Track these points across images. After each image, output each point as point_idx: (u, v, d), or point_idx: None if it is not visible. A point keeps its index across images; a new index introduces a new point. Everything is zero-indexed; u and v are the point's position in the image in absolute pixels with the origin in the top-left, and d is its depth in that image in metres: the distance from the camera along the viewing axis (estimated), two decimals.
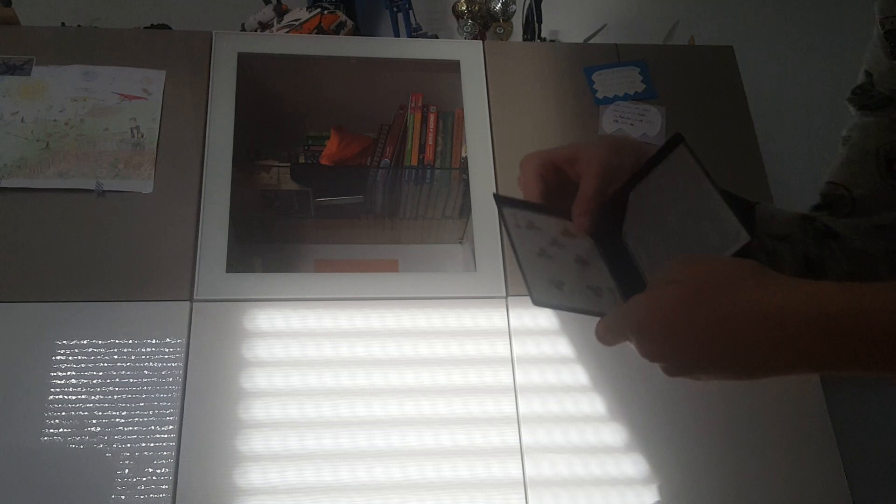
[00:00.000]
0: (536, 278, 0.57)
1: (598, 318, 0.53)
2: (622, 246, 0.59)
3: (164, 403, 1.06)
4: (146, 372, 1.08)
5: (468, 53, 1.40)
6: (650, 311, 0.47)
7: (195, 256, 1.16)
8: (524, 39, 1.67)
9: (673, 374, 0.47)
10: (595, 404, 1.14)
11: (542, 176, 0.60)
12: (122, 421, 1.05)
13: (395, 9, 1.62)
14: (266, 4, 1.51)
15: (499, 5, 1.67)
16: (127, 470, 1.02)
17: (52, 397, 1.05)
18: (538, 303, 0.56)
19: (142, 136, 1.24)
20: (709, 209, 0.54)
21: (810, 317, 0.41)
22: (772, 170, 1.38)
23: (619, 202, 0.59)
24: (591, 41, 1.66)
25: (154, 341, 1.09)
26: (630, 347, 0.49)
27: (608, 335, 0.51)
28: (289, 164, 1.47)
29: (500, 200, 0.62)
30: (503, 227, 0.60)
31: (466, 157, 1.34)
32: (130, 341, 1.09)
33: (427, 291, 1.19)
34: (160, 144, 1.24)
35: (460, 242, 1.59)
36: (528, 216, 0.61)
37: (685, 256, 0.49)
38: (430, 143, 1.46)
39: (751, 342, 0.43)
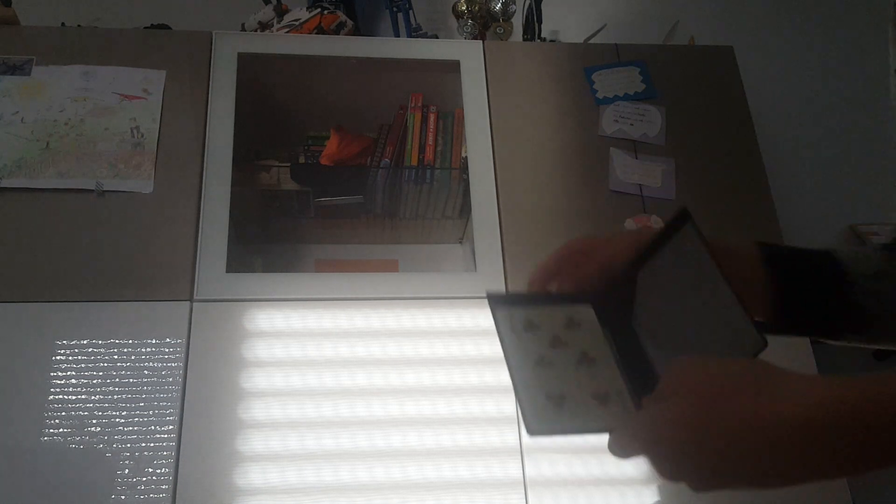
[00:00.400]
0: (533, 399, 0.53)
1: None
2: (632, 334, 0.56)
3: (164, 403, 1.06)
4: (146, 372, 1.08)
5: (468, 53, 1.40)
6: (655, 432, 0.45)
7: (195, 256, 1.16)
8: (524, 39, 1.67)
9: (699, 489, 0.45)
10: None
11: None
12: (122, 421, 1.05)
13: (395, 9, 1.62)
14: (266, 4, 1.51)
15: (499, 5, 1.67)
16: (127, 470, 1.02)
17: (52, 397, 1.05)
18: (535, 432, 0.53)
19: (142, 136, 1.24)
20: (720, 305, 0.52)
21: (824, 423, 0.40)
22: (772, 169, 1.38)
23: (627, 283, 0.56)
24: (592, 41, 1.66)
25: (154, 341, 1.09)
26: None
27: (622, 453, 0.49)
28: (289, 164, 1.47)
29: (495, 301, 0.58)
30: (498, 338, 0.58)
31: (466, 157, 1.34)
32: (130, 341, 1.09)
33: (427, 291, 1.19)
34: (160, 144, 1.24)
35: (460, 242, 1.59)
36: (525, 314, 0.58)
37: (681, 361, 0.47)
38: (430, 142, 1.46)
39: (765, 454, 0.41)
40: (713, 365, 0.46)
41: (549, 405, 0.54)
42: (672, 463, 0.45)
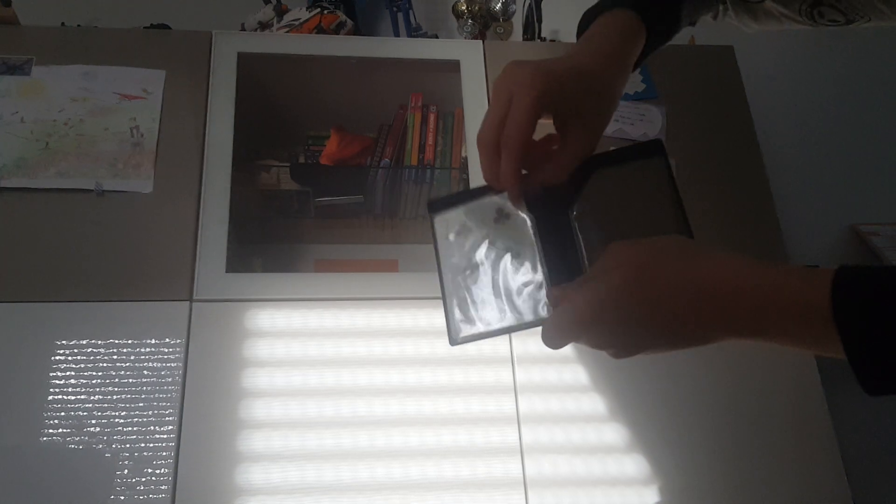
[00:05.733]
0: (459, 308, 0.56)
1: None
2: (568, 228, 0.57)
3: (164, 403, 1.06)
4: (145, 372, 1.07)
5: (468, 53, 1.40)
6: (594, 303, 0.48)
7: (195, 256, 1.16)
8: (524, 39, 1.67)
9: (621, 356, 0.51)
10: (596, 403, 1.14)
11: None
12: (122, 421, 1.04)
13: (394, 8, 1.62)
14: (266, 4, 1.51)
15: (499, 5, 1.67)
16: (126, 470, 1.02)
17: (51, 397, 1.05)
18: (455, 342, 0.56)
19: (141, 135, 1.24)
20: (663, 222, 0.55)
21: (737, 288, 0.45)
22: (772, 169, 1.38)
23: (579, 175, 0.56)
24: None
25: (153, 341, 1.09)
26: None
27: (558, 340, 0.51)
28: (289, 164, 1.47)
29: (434, 207, 0.60)
30: (434, 247, 0.59)
31: (466, 156, 1.34)
32: (130, 341, 1.09)
33: (427, 291, 1.19)
34: (160, 144, 1.23)
35: None
36: (460, 215, 0.59)
37: (616, 244, 0.50)
38: (430, 142, 1.46)
39: (687, 315, 0.46)
40: (642, 243, 0.50)
41: (474, 312, 0.56)
42: (605, 334, 0.50)
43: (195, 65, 1.31)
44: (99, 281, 1.13)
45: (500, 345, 1.16)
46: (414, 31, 1.61)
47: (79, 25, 1.42)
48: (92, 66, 1.29)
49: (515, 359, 1.16)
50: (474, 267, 0.57)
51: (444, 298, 0.57)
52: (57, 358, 1.07)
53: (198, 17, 1.58)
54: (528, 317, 0.55)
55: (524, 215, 0.57)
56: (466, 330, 0.56)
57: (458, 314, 0.57)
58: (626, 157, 0.57)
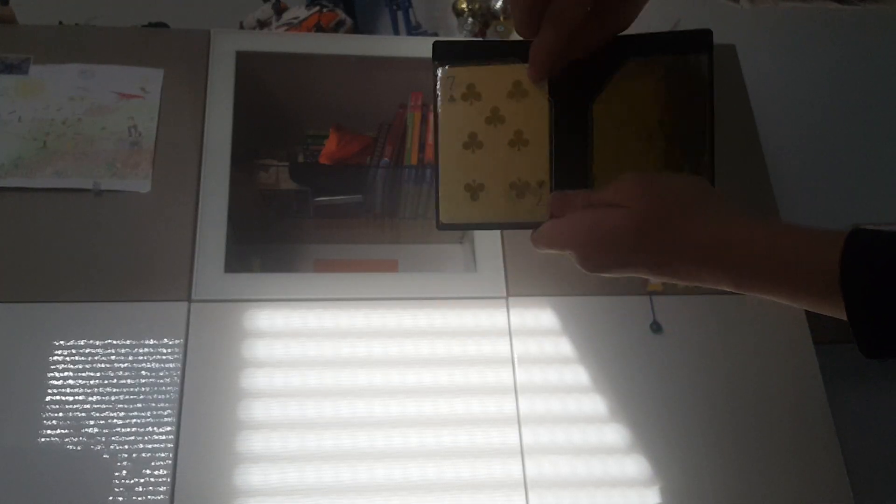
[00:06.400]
0: (451, 188, 0.51)
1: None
2: (585, 122, 0.51)
3: (162, 404, 1.05)
4: (144, 373, 1.07)
5: None
6: (595, 235, 0.48)
7: (193, 256, 1.15)
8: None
9: (594, 273, 0.50)
10: (597, 404, 1.14)
11: None
12: (120, 422, 1.04)
13: (394, 7, 1.61)
14: (265, 2, 1.51)
15: (499, 3, 1.66)
16: (125, 471, 1.01)
17: (48, 398, 1.04)
18: (443, 226, 0.51)
19: (139, 135, 1.23)
20: (692, 132, 0.50)
21: (750, 251, 0.45)
22: (773, 168, 1.38)
23: (604, 61, 0.50)
24: None
25: (152, 342, 1.09)
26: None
27: (546, 246, 0.51)
28: (288, 164, 1.47)
29: (440, 52, 0.51)
30: (434, 101, 0.53)
31: None
32: (128, 342, 1.08)
33: (427, 291, 1.18)
34: (158, 144, 1.23)
35: (460, 242, 1.58)
36: (469, 77, 0.51)
37: (632, 176, 0.49)
38: (431, 142, 1.45)
39: (690, 268, 0.47)
40: (659, 183, 0.49)
41: (466, 196, 0.51)
42: (597, 264, 0.49)
43: (193, 64, 1.30)
44: (97, 281, 1.12)
45: (500, 345, 1.16)
46: (414, 30, 1.61)
47: (76, 24, 1.42)
48: (90, 65, 1.28)
49: (516, 359, 1.15)
50: (475, 142, 0.51)
51: (436, 171, 0.51)
52: (55, 358, 1.07)
53: (196, 15, 1.58)
54: (524, 215, 0.51)
55: (543, 99, 0.51)
56: (455, 215, 0.51)
57: (449, 194, 0.51)
58: (666, 47, 0.50)
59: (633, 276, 0.49)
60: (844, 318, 0.42)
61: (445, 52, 0.52)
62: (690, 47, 0.50)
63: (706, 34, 0.50)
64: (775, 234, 0.45)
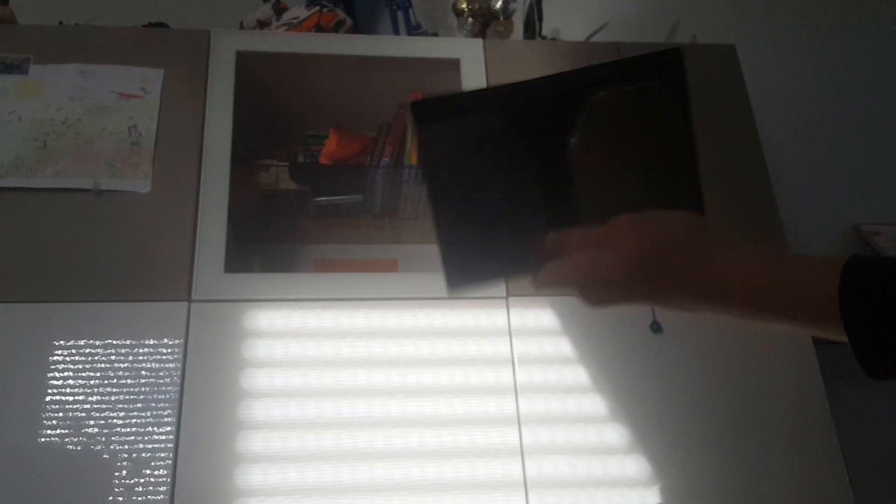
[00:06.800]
0: (453, 249, 0.49)
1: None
2: (564, 157, 0.50)
3: (162, 404, 1.05)
4: (144, 373, 1.07)
5: (468, 52, 1.39)
6: (593, 274, 0.50)
7: (193, 256, 1.15)
8: (525, 38, 1.66)
9: (599, 307, 0.51)
10: (597, 404, 1.14)
11: None
12: (120, 422, 1.04)
13: (394, 7, 1.61)
14: (265, 2, 1.51)
15: (499, 3, 1.66)
16: (125, 471, 1.01)
17: (49, 398, 1.04)
18: (454, 288, 0.50)
19: (139, 135, 1.23)
20: (677, 164, 0.48)
21: (748, 285, 0.46)
22: (774, 168, 1.38)
23: (571, 96, 0.48)
24: (593, 40, 1.65)
25: (152, 342, 1.09)
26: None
27: (549, 288, 0.53)
28: (288, 164, 1.47)
29: (421, 112, 0.49)
30: (421, 166, 0.51)
31: None
32: (128, 342, 1.08)
33: (427, 291, 1.18)
34: (158, 143, 1.23)
35: None
36: (453, 128, 0.50)
37: (627, 218, 0.50)
38: None
39: (692, 304, 0.48)
40: (652, 221, 0.50)
41: (468, 252, 0.51)
42: (600, 302, 0.51)
43: (193, 63, 1.30)
44: (97, 281, 1.12)
45: (500, 345, 1.16)
46: (413, 30, 1.61)
47: (77, 24, 1.42)
48: (90, 65, 1.28)
49: (516, 359, 1.15)
50: (466, 195, 0.51)
51: (437, 233, 0.51)
52: (55, 358, 1.07)
53: (196, 15, 1.58)
54: (523, 261, 0.51)
55: (520, 139, 0.50)
56: (462, 276, 0.51)
57: (453, 255, 0.50)
58: (632, 74, 0.48)
59: (636, 307, 0.50)
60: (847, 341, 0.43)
61: (425, 111, 0.50)
62: (659, 72, 0.48)
63: (674, 55, 0.47)
64: (772, 266, 0.46)
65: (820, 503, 1.12)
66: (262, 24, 1.50)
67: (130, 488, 1.00)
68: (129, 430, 1.04)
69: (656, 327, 1.19)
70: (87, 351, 1.08)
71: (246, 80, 1.33)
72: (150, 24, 1.44)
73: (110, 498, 0.99)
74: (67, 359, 1.07)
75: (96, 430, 1.03)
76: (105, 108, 1.25)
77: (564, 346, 1.17)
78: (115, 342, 1.08)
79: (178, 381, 1.07)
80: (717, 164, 1.35)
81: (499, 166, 0.51)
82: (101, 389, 1.06)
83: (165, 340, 1.09)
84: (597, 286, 0.51)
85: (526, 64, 1.40)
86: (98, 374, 1.06)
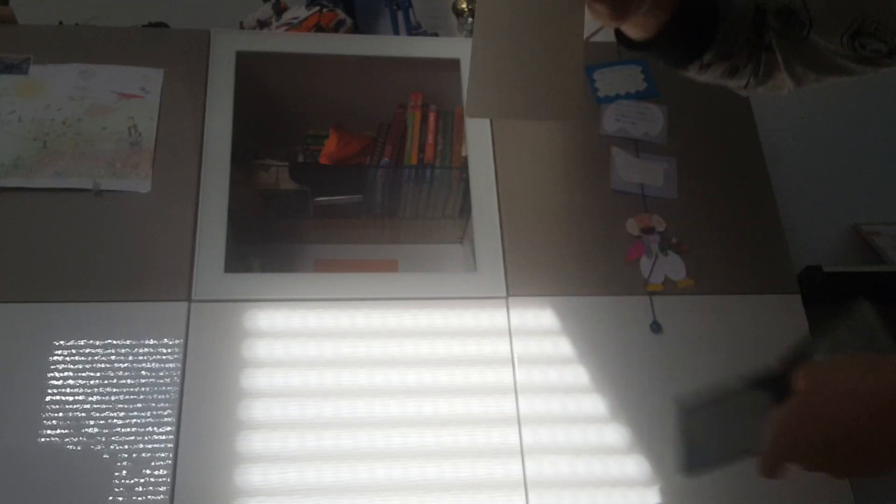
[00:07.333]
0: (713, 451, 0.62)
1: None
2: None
3: (162, 404, 1.05)
4: (144, 373, 1.07)
5: (468, 52, 1.39)
6: (789, 434, 0.57)
7: (193, 256, 1.15)
8: None
9: (841, 477, 0.56)
10: (597, 404, 1.14)
11: None
12: (120, 422, 1.04)
13: (394, 7, 1.61)
14: (265, 2, 1.51)
15: None
16: (125, 471, 1.01)
17: (49, 398, 1.04)
18: (690, 473, 0.62)
19: (139, 135, 1.23)
20: None
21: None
22: (774, 168, 1.38)
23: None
24: (593, 39, 1.65)
25: (152, 342, 1.09)
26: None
27: (769, 471, 0.60)
28: (288, 164, 1.47)
29: (688, 409, 0.63)
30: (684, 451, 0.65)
31: (466, 156, 1.33)
32: (128, 342, 1.08)
33: (427, 291, 1.18)
34: (158, 143, 1.23)
35: (460, 242, 1.58)
36: (714, 415, 0.63)
37: (807, 366, 0.56)
38: (430, 142, 1.45)
39: (859, 429, 0.52)
40: (822, 364, 0.56)
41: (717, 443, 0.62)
42: (799, 456, 0.57)
43: (193, 63, 1.30)
44: (97, 281, 1.12)
45: (500, 345, 1.16)
46: (413, 30, 1.61)
47: (77, 24, 1.42)
48: (90, 65, 1.28)
49: (516, 359, 1.15)
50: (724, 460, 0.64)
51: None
52: (55, 359, 1.07)
53: (196, 15, 1.58)
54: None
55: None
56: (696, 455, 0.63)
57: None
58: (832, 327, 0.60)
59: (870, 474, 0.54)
60: None
61: (691, 408, 0.68)
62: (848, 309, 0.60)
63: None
64: None
65: (820, 503, 1.12)
66: (262, 24, 1.50)
67: (130, 488, 1.00)
68: (129, 430, 1.04)
69: (656, 327, 1.19)
70: (87, 351, 1.08)
71: (246, 80, 1.33)
72: (150, 24, 1.44)
73: (110, 498, 0.99)
74: (67, 359, 1.07)
75: (96, 430, 1.03)
76: (105, 108, 1.25)
77: (564, 346, 1.17)
78: (115, 342, 1.08)
79: (178, 381, 1.07)
80: (717, 165, 1.35)
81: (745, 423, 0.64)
82: (101, 389, 1.06)
83: (165, 340, 1.09)
84: (788, 442, 0.57)
85: None
86: (98, 374, 1.06)
